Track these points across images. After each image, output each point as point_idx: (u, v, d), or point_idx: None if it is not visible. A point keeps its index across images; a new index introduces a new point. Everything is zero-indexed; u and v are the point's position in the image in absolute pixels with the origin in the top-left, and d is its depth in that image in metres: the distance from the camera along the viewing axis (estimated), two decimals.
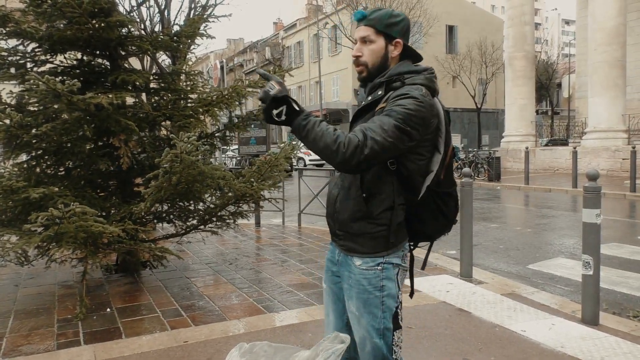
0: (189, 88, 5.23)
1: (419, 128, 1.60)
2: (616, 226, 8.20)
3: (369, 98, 1.74)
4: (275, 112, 1.58)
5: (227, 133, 5.54)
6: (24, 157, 4.66)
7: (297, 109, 1.59)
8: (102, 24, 4.45)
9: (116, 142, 4.52)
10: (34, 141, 4.32)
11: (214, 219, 4.92)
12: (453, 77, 35.09)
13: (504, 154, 21.16)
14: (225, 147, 7.37)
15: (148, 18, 12.23)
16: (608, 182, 14.06)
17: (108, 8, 4.52)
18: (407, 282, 1.86)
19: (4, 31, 4.46)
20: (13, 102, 4.47)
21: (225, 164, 18.95)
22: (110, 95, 4.12)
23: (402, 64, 1.76)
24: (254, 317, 3.80)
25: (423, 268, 2.04)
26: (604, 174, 16.00)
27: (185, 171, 3.79)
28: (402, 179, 1.67)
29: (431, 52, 32.40)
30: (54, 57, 4.87)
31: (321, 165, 23.12)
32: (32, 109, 4.51)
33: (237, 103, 5.15)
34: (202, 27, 5.31)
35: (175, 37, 5.17)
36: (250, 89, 5.07)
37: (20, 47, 4.69)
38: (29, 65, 4.79)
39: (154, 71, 9.57)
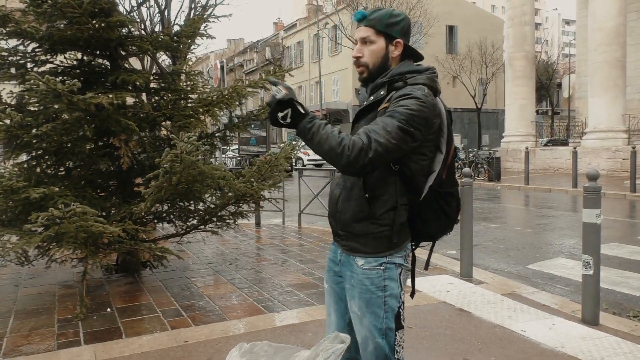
0: (189, 88, 5.23)
1: (421, 128, 1.60)
2: (616, 226, 8.20)
3: (371, 98, 1.73)
4: (280, 115, 1.58)
5: (227, 133, 5.54)
6: (24, 157, 4.66)
7: (303, 111, 1.59)
8: (103, 24, 4.45)
9: (116, 142, 4.52)
10: (34, 141, 4.32)
11: (214, 219, 4.92)
12: (453, 77, 35.09)
13: (504, 154, 21.15)
14: (225, 147, 7.37)
15: (148, 18, 12.23)
16: (608, 182, 14.06)
17: (108, 8, 4.52)
18: (409, 282, 1.86)
19: (4, 31, 4.47)
20: (13, 102, 4.47)
21: (225, 164, 18.95)
22: (110, 95, 4.12)
23: (404, 64, 1.75)
24: (254, 317, 3.80)
25: (426, 268, 2.05)
26: (604, 174, 15.99)
27: (186, 171, 3.79)
28: (405, 179, 1.67)
29: (431, 52, 32.40)
30: (54, 57, 4.87)
31: (320, 165, 23.16)
32: (32, 109, 4.51)
33: (237, 103, 5.16)
34: (202, 27, 5.31)
35: (175, 37, 5.17)
36: (250, 89, 5.08)
37: (21, 47, 4.69)
38: (29, 65, 4.79)
39: (154, 71, 9.57)
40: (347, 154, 1.52)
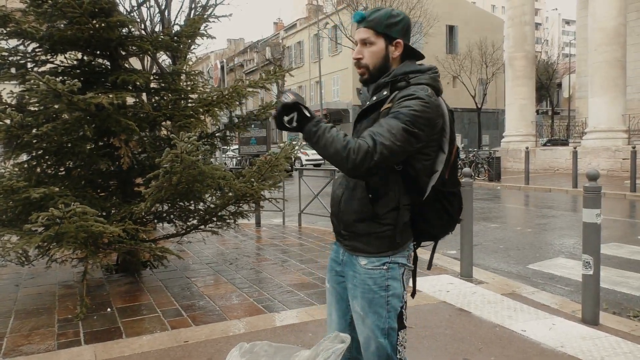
0: (189, 88, 5.23)
1: (425, 129, 1.60)
2: (616, 226, 8.20)
3: (374, 98, 1.73)
4: (286, 118, 1.59)
5: (228, 133, 5.54)
6: (24, 157, 4.66)
7: (308, 115, 1.59)
8: (103, 24, 4.45)
9: (116, 142, 4.52)
10: (34, 141, 4.32)
11: (214, 218, 4.92)
12: (453, 77, 35.08)
13: (504, 154, 21.15)
14: (225, 147, 7.37)
15: (148, 18, 12.23)
16: (608, 182, 14.06)
17: (108, 8, 4.52)
18: (410, 281, 1.86)
19: (5, 31, 4.47)
20: (13, 102, 4.47)
21: (225, 164, 18.97)
22: (110, 95, 4.12)
23: (406, 64, 1.75)
24: (254, 317, 3.80)
25: (429, 268, 2.05)
26: (604, 174, 15.99)
27: (186, 171, 3.79)
28: (409, 179, 1.67)
29: (431, 52, 32.38)
30: (55, 57, 4.87)
31: (319, 165, 23.18)
32: (32, 109, 4.51)
33: (237, 103, 5.16)
34: (202, 27, 5.31)
35: (175, 37, 5.17)
36: (250, 89, 5.08)
37: (21, 47, 4.69)
38: (29, 65, 4.79)
39: (154, 71, 9.57)
40: (352, 158, 1.53)
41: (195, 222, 4.97)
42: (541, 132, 27.51)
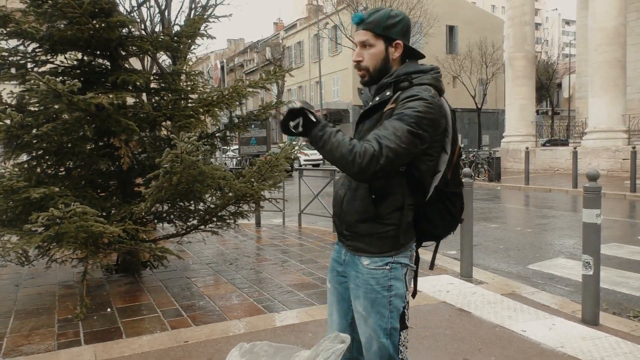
0: (189, 88, 5.23)
1: (429, 130, 1.60)
2: (616, 226, 8.20)
3: (377, 98, 1.72)
4: (292, 123, 1.60)
5: (228, 133, 5.54)
6: (24, 157, 4.66)
7: (314, 120, 1.59)
8: (103, 24, 4.46)
9: (117, 142, 4.52)
10: (34, 141, 4.32)
11: (215, 219, 4.93)
12: (453, 77, 35.08)
13: (504, 154, 21.15)
14: (225, 147, 7.38)
15: (148, 18, 12.24)
16: (608, 182, 14.06)
17: (108, 8, 4.53)
18: None
19: (5, 31, 4.47)
20: (14, 103, 4.48)
21: (225, 164, 18.97)
22: (110, 96, 4.12)
23: (408, 64, 1.75)
24: (254, 317, 3.80)
25: (431, 268, 2.05)
26: (604, 174, 15.99)
27: (186, 171, 3.79)
28: (413, 180, 1.67)
29: (431, 52, 32.37)
30: (55, 57, 4.87)
31: (317, 165, 23.20)
32: (32, 109, 4.52)
33: (237, 103, 5.16)
34: (202, 27, 5.31)
35: (175, 38, 5.17)
36: (250, 89, 5.08)
37: (21, 48, 4.69)
38: (29, 65, 4.79)
39: (154, 71, 9.57)
40: (358, 162, 1.53)
41: (195, 222, 4.97)
42: (541, 132, 27.53)
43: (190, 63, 5.70)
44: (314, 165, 22.06)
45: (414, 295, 1.93)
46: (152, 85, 5.32)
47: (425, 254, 1.93)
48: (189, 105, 5.14)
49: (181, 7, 33.55)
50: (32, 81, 3.63)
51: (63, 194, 4.00)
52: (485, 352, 3.16)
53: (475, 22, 37.89)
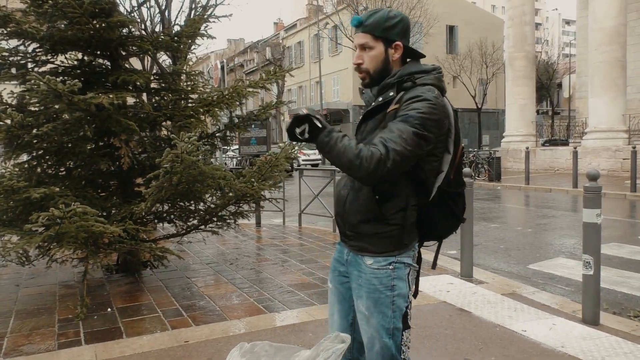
0: (189, 88, 5.23)
1: (434, 131, 1.61)
2: (617, 226, 8.20)
3: (380, 99, 1.72)
4: (298, 130, 1.60)
5: (228, 133, 5.54)
6: (24, 157, 4.66)
7: (320, 125, 1.59)
8: (103, 24, 4.46)
9: (117, 142, 4.52)
10: (34, 141, 4.33)
11: (215, 219, 4.93)
12: (453, 77, 35.07)
13: (504, 154, 21.15)
14: (225, 147, 7.38)
15: (149, 18, 12.26)
16: (608, 182, 14.05)
17: (109, 8, 4.53)
18: None
19: (5, 31, 4.47)
20: (14, 103, 4.48)
21: (225, 164, 18.97)
22: (111, 96, 4.12)
23: (411, 64, 1.75)
24: (254, 317, 3.80)
25: (434, 267, 2.05)
26: (605, 174, 15.98)
27: (186, 171, 3.79)
28: (416, 180, 1.67)
29: (431, 52, 32.36)
30: (55, 57, 4.88)
31: (316, 165, 23.21)
32: (33, 109, 4.52)
33: (237, 103, 5.16)
34: (202, 28, 5.31)
35: (175, 37, 5.17)
36: (250, 89, 5.08)
37: (21, 48, 4.69)
38: (29, 65, 4.79)
39: (154, 71, 9.58)
40: (365, 166, 1.53)
41: (195, 222, 4.97)
42: (541, 132, 27.51)
43: (191, 63, 5.70)
44: (312, 165, 22.07)
45: (415, 295, 1.93)
46: (153, 85, 5.33)
47: (426, 254, 1.94)
48: (189, 105, 5.14)
49: (181, 7, 33.71)
50: (32, 81, 3.64)
51: (63, 194, 4.00)
52: (486, 352, 3.16)
53: (475, 22, 37.88)
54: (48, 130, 4.01)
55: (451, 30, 37.74)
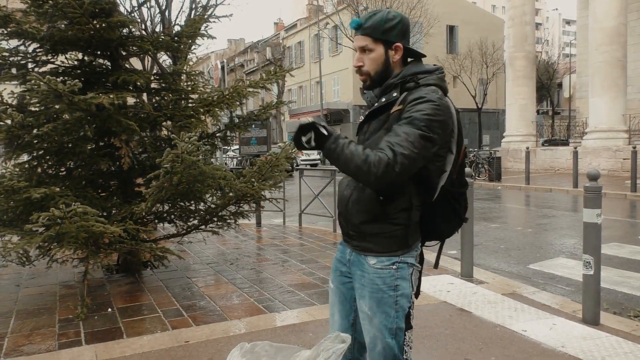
0: (189, 88, 5.23)
1: (440, 132, 1.61)
2: (617, 226, 8.19)
3: (383, 99, 1.72)
4: (304, 139, 1.60)
5: (228, 133, 5.54)
6: (25, 157, 4.66)
7: (326, 133, 1.59)
8: (103, 25, 4.46)
9: (117, 142, 4.52)
10: (35, 141, 4.33)
11: (215, 219, 4.93)
12: (454, 77, 35.06)
13: (504, 154, 21.15)
14: (226, 147, 7.38)
15: (149, 18, 12.25)
16: (609, 182, 14.05)
17: (109, 8, 4.53)
18: None
19: (6, 31, 4.47)
20: (14, 103, 4.48)
21: (226, 164, 18.96)
22: (111, 96, 4.12)
23: (414, 65, 1.75)
24: (254, 317, 3.80)
25: (436, 267, 2.06)
26: (605, 174, 15.97)
27: (186, 171, 3.79)
28: (421, 180, 1.67)
29: (432, 52, 32.34)
30: (55, 57, 4.88)
31: (315, 165, 23.23)
32: (33, 109, 4.52)
33: (238, 103, 5.16)
34: (202, 28, 5.31)
35: (176, 38, 5.18)
36: (251, 89, 5.08)
37: (22, 48, 4.69)
38: (30, 65, 4.80)
39: (154, 71, 9.58)
40: (374, 172, 1.52)
41: (195, 222, 4.97)
42: (542, 132, 27.51)
43: (191, 63, 5.70)
44: (312, 165, 22.09)
45: (417, 295, 1.93)
46: (153, 85, 5.33)
47: (427, 254, 1.94)
48: (190, 105, 5.15)
49: (182, 7, 33.74)
50: (32, 81, 3.64)
51: (64, 194, 4.00)
52: (486, 351, 3.16)
53: (475, 22, 37.87)
54: (48, 131, 4.01)
55: (451, 30, 37.74)
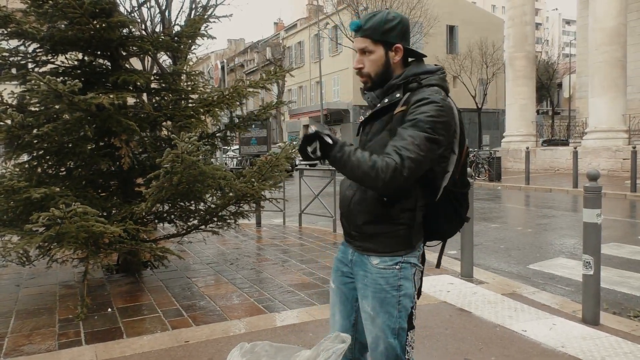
0: (189, 88, 5.23)
1: (444, 133, 1.61)
2: (617, 226, 8.20)
3: (386, 100, 1.72)
4: (309, 149, 1.59)
5: (228, 133, 5.55)
6: (25, 157, 4.67)
7: (331, 142, 1.58)
8: (103, 25, 4.46)
9: (117, 142, 4.53)
10: (35, 141, 4.33)
11: (215, 219, 4.93)
12: (454, 77, 35.04)
13: (504, 154, 21.15)
14: (226, 147, 7.38)
15: (149, 18, 12.26)
16: (609, 182, 14.05)
17: (109, 8, 4.53)
18: None
19: (6, 32, 4.47)
20: (14, 103, 4.48)
21: (226, 164, 18.97)
22: (111, 96, 4.13)
23: (416, 65, 1.75)
24: (254, 317, 3.81)
25: (438, 267, 2.06)
26: (605, 174, 15.98)
27: (186, 171, 3.79)
28: (424, 181, 1.67)
29: (432, 52, 32.32)
30: (55, 57, 4.88)
31: (314, 165, 23.17)
32: (33, 109, 4.52)
33: (237, 103, 5.16)
34: (202, 28, 5.31)
35: (176, 38, 5.18)
36: (251, 89, 5.08)
37: (22, 48, 4.69)
38: (30, 65, 4.80)
39: (154, 71, 9.58)
40: (382, 177, 1.52)
41: (195, 222, 4.97)
42: (541, 132, 27.52)
43: (191, 63, 5.70)
44: (310, 166, 22.07)
45: (418, 295, 1.93)
46: (153, 85, 5.33)
47: (428, 254, 1.95)
48: (190, 105, 5.15)
49: (182, 7, 33.72)
50: (32, 81, 3.64)
51: (64, 194, 4.00)
52: (486, 351, 3.16)
53: (475, 22, 37.87)
54: (48, 131, 4.01)
55: (451, 30, 37.73)
